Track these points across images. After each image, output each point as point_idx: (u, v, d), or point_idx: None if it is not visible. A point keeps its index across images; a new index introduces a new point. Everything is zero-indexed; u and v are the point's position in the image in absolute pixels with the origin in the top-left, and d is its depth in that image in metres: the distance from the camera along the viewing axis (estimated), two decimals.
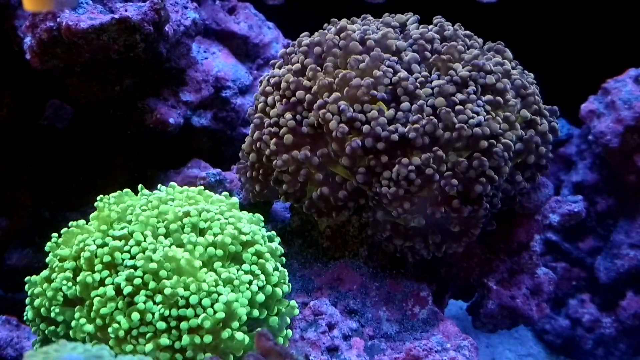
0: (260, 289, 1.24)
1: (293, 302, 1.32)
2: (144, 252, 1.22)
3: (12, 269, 1.83)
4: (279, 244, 1.35)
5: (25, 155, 1.82)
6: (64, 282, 1.23)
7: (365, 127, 1.36)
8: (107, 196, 1.37)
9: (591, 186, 2.16)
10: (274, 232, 1.37)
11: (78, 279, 1.22)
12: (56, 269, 1.27)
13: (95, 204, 1.36)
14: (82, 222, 1.33)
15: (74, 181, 1.86)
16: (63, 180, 1.85)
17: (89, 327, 1.19)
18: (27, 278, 1.30)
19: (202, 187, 1.42)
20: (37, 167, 1.83)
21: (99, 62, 1.66)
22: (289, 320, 1.30)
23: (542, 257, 2.07)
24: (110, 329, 1.18)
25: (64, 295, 1.24)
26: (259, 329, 1.11)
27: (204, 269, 1.23)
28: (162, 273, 1.20)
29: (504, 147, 1.38)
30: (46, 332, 1.28)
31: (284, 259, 1.35)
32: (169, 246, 1.24)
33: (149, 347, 1.17)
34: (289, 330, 1.30)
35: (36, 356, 0.86)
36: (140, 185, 1.41)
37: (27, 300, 1.30)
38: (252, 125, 1.51)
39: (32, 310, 1.29)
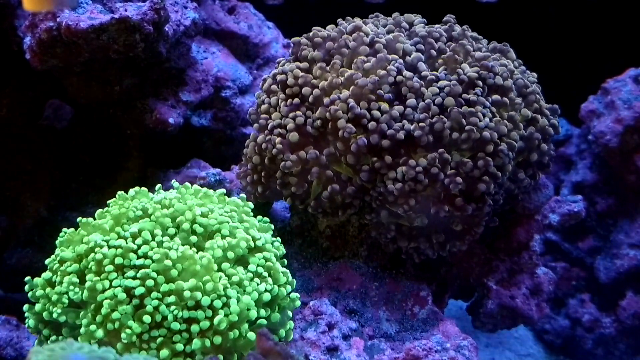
0: (268, 291, 1.25)
1: (294, 295, 1.32)
2: (154, 251, 1.21)
3: (12, 269, 1.83)
4: (280, 244, 1.36)
5: (25, 155, 1.82)
6: (71, 287, 1.21)
7: (372, 124, 1.36)
8: (119, 194, 1.36)
9: (591, 186, 2.15)
10: (278, 238, 1.37)
11: (87, 284, 1.20)
12: (58, 272, 1.25)
13: (113, 199, 1.35)
14: (90, 219, 1.32)
15: (73, 181, 1.86)
16: (63, 180, 1.85)
17: (100, 334, 1.17)
18: (27, 278, 1.29)
19: (223, 190, 1.41)
20: (37, 167, 1.83)
21: (99, 62, 1.66)
22: (290, 314, 1.31)
23: (542, 257, 2.07)
24: (123, 334, 1.16)
25: (69, 299, 1.22)
26: (259, 329, 1.11)
27: (215, 271, 1.23)
28: (173, 272, 1.19)
29: (508, 146, 1.39)
30: (49, 341, 1.26)
31: (285, 261, 1.36)
32: (182, 246, 1.24)
33: (165, 353, 1.16)
34: (291, 322, 1.31)
35: (42, 352, 0.86)
36: (158, 185, 1.41)
37: (26, 307, 1.28)
38: (255, 126, 1.50)
39: (33, 317, 1.26)
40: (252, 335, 1.21)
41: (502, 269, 1.65)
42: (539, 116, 1.49)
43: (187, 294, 1.17)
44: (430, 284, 1.55)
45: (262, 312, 1.24)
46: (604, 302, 2.12)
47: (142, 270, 1.19)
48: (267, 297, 1.24)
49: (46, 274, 1.27)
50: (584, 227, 2.15)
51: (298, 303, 1.33)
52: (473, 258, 1.63)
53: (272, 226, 1.39)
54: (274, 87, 1.49)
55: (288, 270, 1.32)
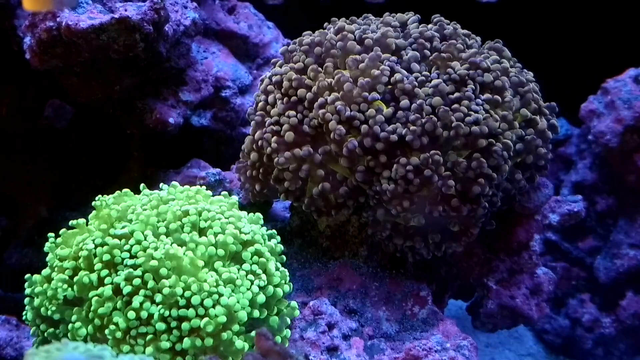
0: (262, 289, 1.24)
1: (294, 303, 1.31)
2: (144, 251, 1.21)
3: (12, 269, 1.83)
4: (278, 242, 1.35)
5: (25, 155, 1.82)
6: (60, 284, 1.23)
7: (364, 127, 1.36)
8: (106, 196, 1.36)
9: (591, 186, 2.16)
10: (274, 231, 1.37)
11: (75, 279, 1.22)
12: (56, 268, 1.26)
13: (94, 203, 1.35)
14: (82, 220, 1.32)
15: (73, 181, 1.86)
16: (63, 180, 1.85)
17: (84, 332, 1.19)
18: (27, 276, 1.30)
19: (201, 187, 1.40)
20: (37, 167, 1.83)
21: (99, 62, 1.66)
22: (289, 321, 1.30)
23: (542, 257, 2.07)
24: (107, 331, 1.17)
25: (63, 295, 1.23)
26: (258, 329, 1.11)
27: (205, 269, 1.22)
28: (163, 271, 1.19)
29: (503, 146, 1.38)
30: (46, 334, 1.27)
31: (284, 257, 1.35)
32: (170, 245, 1.23)
33: (149, 350, 1.16)
34: (288, 330, 1.30)
35: (38, 354, 0.86)
36: (142, 185, 1.40)
37: (26, 300, 1.29)
38: (252, 123, 1.51)
39: (32, 311, 1.28)
40: (240, 344, 1.19)
41: (502, 268, 1.65)
42: (538, 117, 1.48)
43: (166, 290, 1.17)
44: (430, 284, 1.55)
45: (256, 312, 1.22)
46: (604, 302, 2.12)
47: (129, 270, 1.19)
48: (261, 298, 1.23)
49: (45, 271, 1.28)
50: (584, 227, 2.15)
51: (297, 313, 1.32)
52: (473, 258, 1.63)
53: (261, 216, 1.38)
54: (270, 87, 1.49)
55: (286, 270, 1.31)
